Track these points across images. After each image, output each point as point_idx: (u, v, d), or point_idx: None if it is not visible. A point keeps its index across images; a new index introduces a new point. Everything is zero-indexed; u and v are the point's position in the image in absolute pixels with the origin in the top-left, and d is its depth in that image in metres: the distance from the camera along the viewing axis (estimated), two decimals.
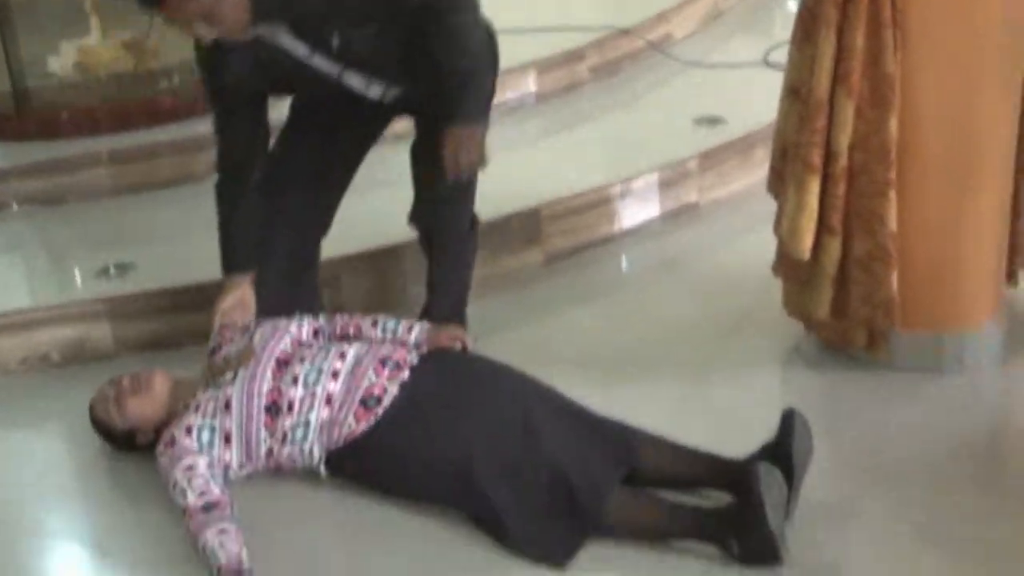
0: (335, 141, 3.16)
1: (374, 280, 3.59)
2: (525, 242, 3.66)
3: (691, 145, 4.07)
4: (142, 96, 4.34)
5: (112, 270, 3.65)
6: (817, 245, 2.91)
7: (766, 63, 4.70)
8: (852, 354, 3.06)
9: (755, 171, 4.06)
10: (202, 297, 3.27)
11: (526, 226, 3.65)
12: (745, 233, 3.82)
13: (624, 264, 3.81)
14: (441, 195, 3.09)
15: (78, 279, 3.77)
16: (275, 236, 3.13)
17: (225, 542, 2.47)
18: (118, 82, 4.40)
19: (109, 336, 3.46)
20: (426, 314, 3.19)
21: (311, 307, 3.12)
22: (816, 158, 2.84)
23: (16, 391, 3.37)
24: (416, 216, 3.19)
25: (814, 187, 2.86)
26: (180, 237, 3.82)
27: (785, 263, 3.07)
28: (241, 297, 3.07)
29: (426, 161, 3.05)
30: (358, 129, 3.19)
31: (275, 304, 3.07)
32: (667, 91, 4.73)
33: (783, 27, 4.93)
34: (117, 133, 4.23)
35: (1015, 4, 2.77)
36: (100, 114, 4.28)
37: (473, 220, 3.24)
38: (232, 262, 3.10)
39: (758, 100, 4.39)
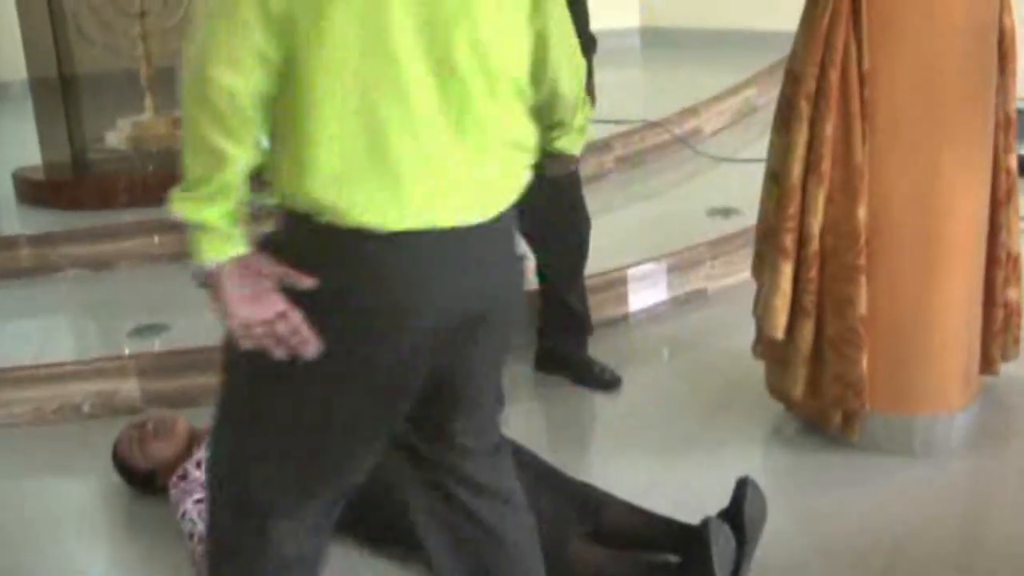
0: None
1: None
2: (534, 318, 3.81)
3: (703, 234, 4.23)
4: None
5: (146, 331, 3.89)
6: (792, 326, 3.04)
7: None
8: (829, 434, 3.16)
9: None
10: None
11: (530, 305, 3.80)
12: (748, 321, 3.91)
13: (628, 343, 3.96)
14: None
15: (114, 337, 3.99)
16: None
17: None
18: (169, 156, 4.69)
19: (137, 391, 3.68)
20: None
21: None
22: (789, 242, 2.99)
23: (49, 438, 3.59)
24: None
25: (787, 270, 3.00)
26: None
27: (763, 343, 3.20)
28: None
29: None
30: None
31: None
32: (689, 184, 4.91)
33: None
34: (164, 204, 4.48)
35: (975, 95, 2.91)
36: (151, 185, 4.56)
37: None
38: None
39: None
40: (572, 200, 3.46)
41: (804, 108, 2.91)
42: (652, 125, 4.96)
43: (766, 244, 3.12)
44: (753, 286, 4.13)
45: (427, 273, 1.76)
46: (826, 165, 2.91)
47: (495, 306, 1.90)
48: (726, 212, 4.42)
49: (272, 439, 1.87)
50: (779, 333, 3.04)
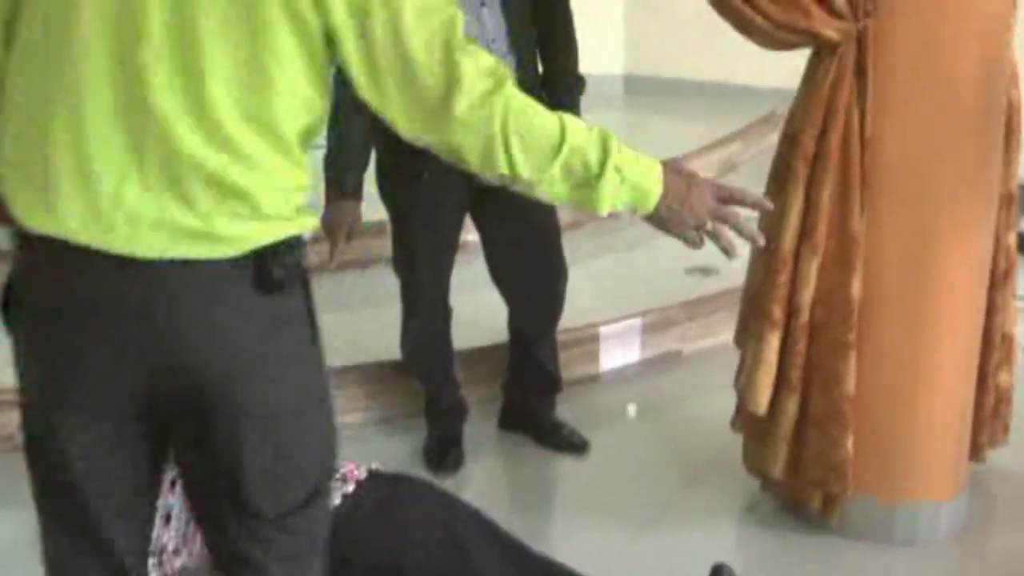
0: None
1: None
2: (493, 374, 3.62)
3: (680, 293, 4.07)
4: None
5: None
6: (775, 401, 2.88)
7: None
8: (807, 516, 2.99)
9: None
10: None
11: (498, 359, 3.60)
12: (725, 386, 3.76)
13: (598, 405, 3.78)
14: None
15: None
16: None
17: None
18: None
19: None
20: None
21: None
22: (778, 312, 2.83)
23: None
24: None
25: (774, 342, 2.84)
26: None
27: (744, 417, 3.03)
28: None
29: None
30: None
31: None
32: (667, 239, 4.71)
33: None
34: None
35: (978, 169, 2.77)
36: None
37: None
38: (346, 181, 3.06)
39: None
40: (550, 248, 3.29)
41: (801, 171, 2.75)
42: None
43: (752, 312, 2.96)
44: (730, 350, 3.99)
45: (70, 283, 1.61)
46: (821, 233, 2.75)
47: (200, 370, 1.63)
48: (705, 271, 4.27)
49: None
50: (762, 410, 2.87)
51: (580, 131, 1.68)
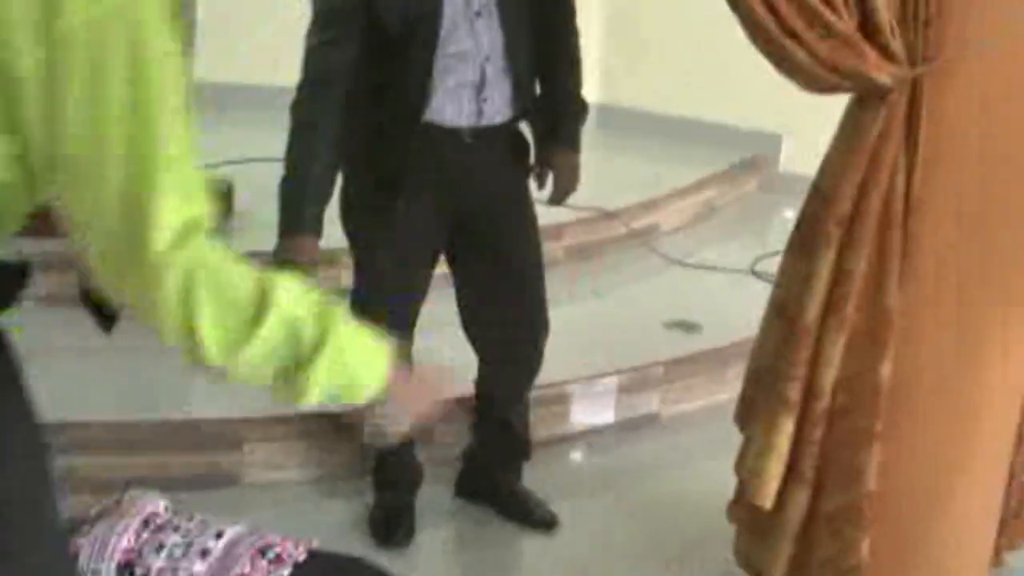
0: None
1: None
2: (451, 434, 3.18)
3: (659, 350, 3.69)
4: None
5: None
6: (782, 493, 2.50)
7: (753, 272, 4.36)
8: None
9: (725, 388, 3.67)
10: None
11: (458, 416, 3.14)
12: (706, 456, 3.42)
13: (568, 472, 3.39)
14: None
15: None
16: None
17: None
18: None
19: None
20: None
21: None
22: (794, 393, 2.46)
23: None
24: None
25: (788, 427, 2.47)
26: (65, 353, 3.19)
27: (743, 507, 2.65)
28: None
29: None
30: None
31: None
32: (644, 286, 4.37)
33: (777, 236, 4.60)
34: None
35: None
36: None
37: None
38: (305, 216, 2.56)
39: (739, 311, 4.02)
40: (533, 297, 2.90)
41: (834, 233, 2.39)
42: (607, 216, 4.42)
43: (762, 390, 2.59)
44: (710, 415, 3.65)
45: None
46: (851, 306, 2.39)
47: None
48: (687, 327, 3.89)
49: None
50: (769, 503, 2.50)
51: (295, 294, 1.33)
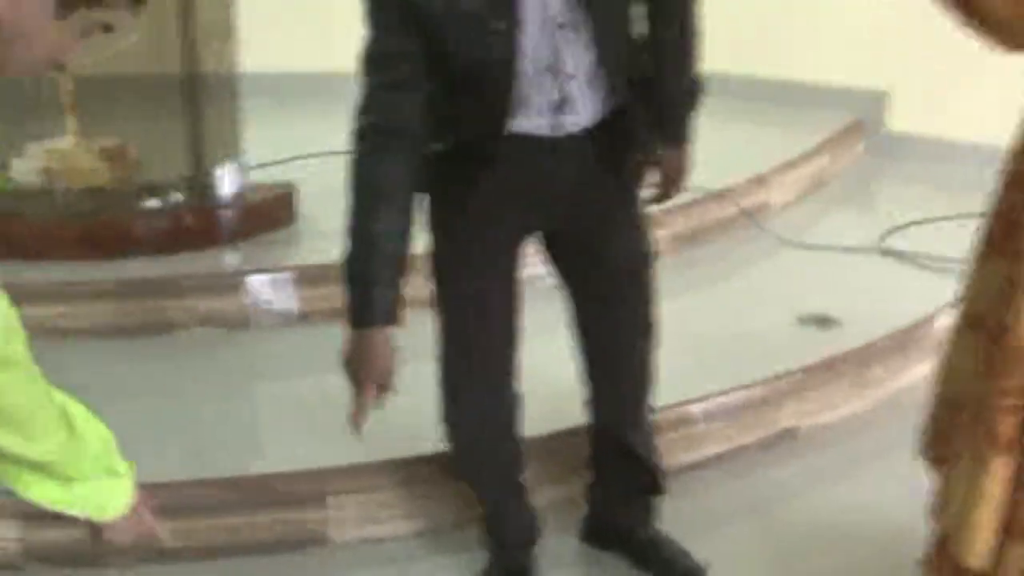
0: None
1: None
2: (570, 470, 2.76)
3: (794, 352, 3.21)
4: (115, 217, 3.56)
5: None
6: (997, 550, 2.03)
7: (881, 250, 3.86)
8: None
9: (869, 393, 3.21)
10: None
11: (576, 448, 2.71)
12: (851, 477, 2.99)
13: (696, 503, 2.92)
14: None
15: None
16: None
17: None
18: (91, 198, 3.60)
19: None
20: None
21: None
22: (1009, 428, 1.97)
23: None
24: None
25: (1001, 470, 1.98)
26: (120, 399, 2.93)
27: (942, 564, 2.17)
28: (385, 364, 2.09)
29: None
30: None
31: None
32: (762, 274, 3.89)
33: (898, 206, 4.12)
34: (81, 261, 3.44)
35: None
36: (64, 234, 3.50)
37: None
38: (375, 305, 2.05)
39: (874, 297, 3.57)
40: (643, 297, 2.43)
41: None
42: (715, 196, 3.93)
43: (960, 420, 2.10)
44: (852, 429, 3.18)
45: None
46: None
47: None
48: (822, 321, 3.40)
49: None
50: (979, 562, 2.02)
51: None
